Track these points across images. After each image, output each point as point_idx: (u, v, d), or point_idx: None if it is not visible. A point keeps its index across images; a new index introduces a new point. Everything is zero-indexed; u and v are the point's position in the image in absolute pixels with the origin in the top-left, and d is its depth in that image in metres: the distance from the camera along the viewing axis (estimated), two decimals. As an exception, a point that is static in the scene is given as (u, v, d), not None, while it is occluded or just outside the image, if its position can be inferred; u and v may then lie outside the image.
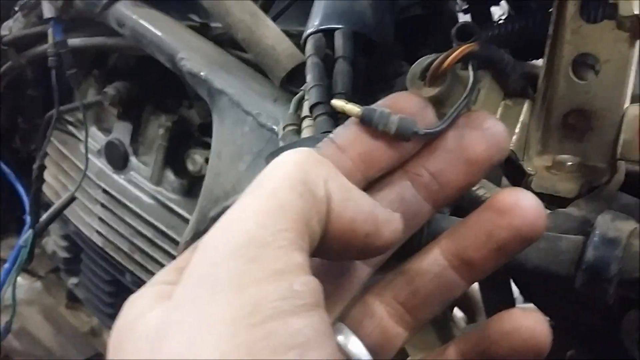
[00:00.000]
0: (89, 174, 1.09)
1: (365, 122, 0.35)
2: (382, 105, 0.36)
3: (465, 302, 1.04)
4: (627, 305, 0.48)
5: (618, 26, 0.43)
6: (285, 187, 0.29)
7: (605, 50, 0.47)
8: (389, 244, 0.33)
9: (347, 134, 0.36)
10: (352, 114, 0.36)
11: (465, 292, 0.94)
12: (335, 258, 0.34)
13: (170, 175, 1.03)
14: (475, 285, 0.85)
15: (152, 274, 1.03)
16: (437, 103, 0.47)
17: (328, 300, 0.36)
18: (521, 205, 0.34)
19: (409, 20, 0.67)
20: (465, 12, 0.88)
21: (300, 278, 0.27)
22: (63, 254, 1.28)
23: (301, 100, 0.54)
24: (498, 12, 1.34)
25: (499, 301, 0.76)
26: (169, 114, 1.01)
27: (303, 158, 0.31)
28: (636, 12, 0.41)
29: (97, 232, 1.12)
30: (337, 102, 0.37)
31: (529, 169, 0.51)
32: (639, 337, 0.48)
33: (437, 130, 0.38)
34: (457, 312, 1.06)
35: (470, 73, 0.45)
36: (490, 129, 0.37)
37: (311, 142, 0.37)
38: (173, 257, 0.97)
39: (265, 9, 0.76)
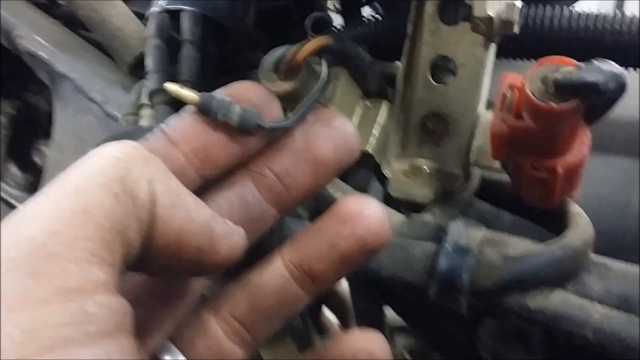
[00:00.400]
0: None
1: (203, 111, 0.31)
2: (223, 94, 0.32)
3: (335, 304, 1.03)
4: (482, 314, 0.48)
5: (473, 28, 0.42)
6: (95, 185, 0.24)
7: (462, 54, 0.46)
8: (225, 262, 0.29)
9: (180, 124, 0.31)
10: (188, 100, 0.32)
11: (336, 293, 0.92)
12: (162, 274, 0.29)
13: (13, 169, 0.92)
14: (345, 286, 0.84)
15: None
16: (292, 99, 0.44)
17: (155, 319, 0.31)
18: (365, 214, 0.32)
19: (275, 10, 0.63)
20: (337, 12, 0.86)
21: (96, 297, 0.22)
22: None
23: (141, 89, 0.48)
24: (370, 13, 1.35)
25: (367, 303, 0.75)
26: (12, 99, 0.90)
27: (125, 152, 0.26)
28: (490, 13, 0.40)
29: None
30: (171, 86, 0.33)
31: (386, 172, 0.49)
32: (492, 346, 0.48)
33: (283, 124, 0.34)
34: (328, 313, 1.05)
35: (323, 66, 0.42)
36: (339, 128, 0.34)
37: (139, 133, 0.32)
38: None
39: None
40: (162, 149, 0.30)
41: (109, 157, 0.25)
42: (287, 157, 0.33)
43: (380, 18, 0.57)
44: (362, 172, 0.52)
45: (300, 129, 0.34)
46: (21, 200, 0.92)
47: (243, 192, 0.33)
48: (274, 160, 0.33)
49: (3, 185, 0.93)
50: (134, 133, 0.36)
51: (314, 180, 0.34)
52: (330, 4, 0.83)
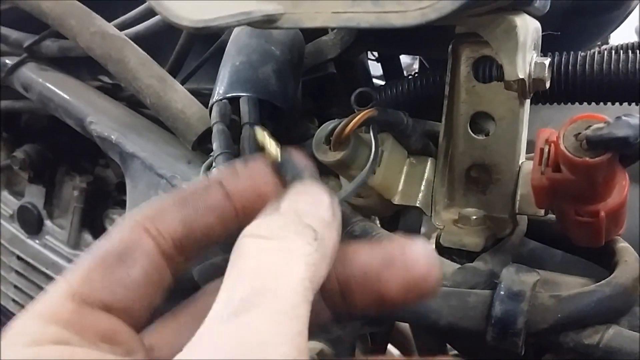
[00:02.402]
0: (2, 240, 1.04)
1: (276, 169, 0.32)
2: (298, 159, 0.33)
3: (398, 339, 1.05)
4: (541, 350, 0.50)
5: (506, 87, 0.45)
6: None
7: (499, 108, 0.49)
8: None
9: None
10: (270, 154, 0.32)
11: (398, 329, 0.94)
12: None
13: (88, 237, 0.99)
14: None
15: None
16: (343, 166, 0.48)
17: None
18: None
19: (321, 78, 0.68)
20: (377, 60, 0.91)
21: None
22: (-22, 326, 1.20)
23: (210, 166, 0.54)
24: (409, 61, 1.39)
25: (429, 342, 0.77)
26: (83, 174, 0.98)
27: None
28: (521, 75, 0.44)
29: (13, 300, 1.06)
30: (260, 132, 0.33)
31: (437, 223, 0.52)
32: (553, 380, 0.49)
33: (347, 195, 0.36)
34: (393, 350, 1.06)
35: (372, 138, 0.46)
36: (414, 265, 0.31)
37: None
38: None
39: (175, 70, 0.75)
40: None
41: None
42: (356, 281, 0.32)
43: (417, 75, 0.60)
44: (412, 216, 0.55)
45: (376, 254, 0.32)
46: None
47: None
48: (342, 275, 0.32)
49: (80, 252, 1.00)
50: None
51: (374, 307, 0.32)
52: (370, 55, 0.88)
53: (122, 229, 0.30)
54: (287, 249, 0.27)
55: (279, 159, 0.32)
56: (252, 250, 0.27)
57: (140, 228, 0.29)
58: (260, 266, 0.26)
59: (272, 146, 0.33)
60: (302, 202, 0.30)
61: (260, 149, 0.33)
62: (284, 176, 0.32)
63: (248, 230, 0.28)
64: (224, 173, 0.31)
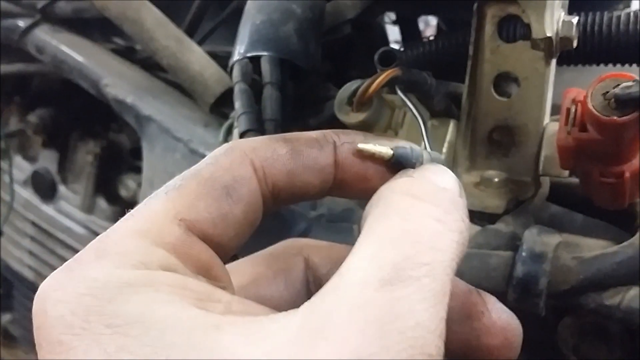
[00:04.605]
0: (16, 206, 1.04)
1: (396, 164, 0.30)
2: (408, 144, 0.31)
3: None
4: (561, 312, 0.50)
5: (533, 46, 0.44)
6: None
7: (524, 69, 0.48)
8: None
9: None
10: (384, 156, 0.30)
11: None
12: None
13: (102, 202, 1.00)
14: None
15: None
16: (366, 127, 0.48)
17: None
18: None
19: (339, 40, 0.67)
20: (394, 23, 0.90)
21: None
22: (-6, 291, 1.22)
23: (230, 128, 0.53)
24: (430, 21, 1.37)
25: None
26: (97, 139, 0.98)
27: None
28: (548, 33, 0.43)
29: (28, 266, 1.07)
30: (366, 147, 0.30)
31: (458, 186, 0.52)
32: (573, 343, 0.50)
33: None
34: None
35: (403, 96, 0.45)
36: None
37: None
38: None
39: (191, 32, 0.75)
40: None
41: None
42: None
43: (440, 36, 0.59)
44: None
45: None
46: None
47: None
48: None
49: (94, 218, 1.00)
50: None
51: None
52: (386, 18, 0.87)
53: (232, 157, 0.28)
54: (443, 219, 0.24)
55: (393, 156, 0.29)
56: (405, 210, 0.24)
57: (249, 164, 0.27)
58: (415, 231, 0.23)
59: (381, 148, 0.29)
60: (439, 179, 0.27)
61: (370, 157, 0.30)
62: (412, 165, 0.29)
63: (398, 186, 0.26)
64: (340, 137, 0.29)
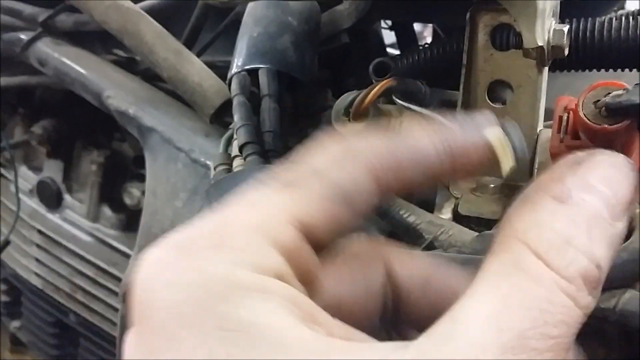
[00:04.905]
0: (22, 215, 1.06)
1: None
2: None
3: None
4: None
5: (525, 55, 0.45)
6: None
7: (517, 77, 0.49)
8: None
9: None
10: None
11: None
12: None
13: (107, 210, 1.01)
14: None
15: (96, 313, 1.02)
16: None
17: None
18: None
19: (336, 48, 0.68)
20: (390, 29, 0.91)
21: None
22: (3, 298, 1.23)
23: (230, 139, 0.54)
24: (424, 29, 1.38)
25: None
26: (101, 148, 0.99)
27: None
28: (539, 42, 0.44)
29: (35, 274, 1.09)
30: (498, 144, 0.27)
31: (454, 192, 0.52)
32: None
33: None
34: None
35: (404, 104, 0.46)
36: None
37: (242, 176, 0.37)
38: (117, 295, 0.95)
39: (190, 43, 0.76)
40: None
41: None
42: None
43: (434, 44, 0.60)
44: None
45: None
46: (115, 238, 1.00)
47: None
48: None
49: (99, 226, 1.02)
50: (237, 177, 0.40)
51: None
52: (383, 23, 0.88)
53: (357, 164, 0.24)
54: (576, 295, 0.23)
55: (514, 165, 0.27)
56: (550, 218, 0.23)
57: (371, 174, 0.24)
58: (546, 299, 0.22)
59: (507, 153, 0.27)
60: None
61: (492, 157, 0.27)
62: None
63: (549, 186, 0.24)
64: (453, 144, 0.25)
